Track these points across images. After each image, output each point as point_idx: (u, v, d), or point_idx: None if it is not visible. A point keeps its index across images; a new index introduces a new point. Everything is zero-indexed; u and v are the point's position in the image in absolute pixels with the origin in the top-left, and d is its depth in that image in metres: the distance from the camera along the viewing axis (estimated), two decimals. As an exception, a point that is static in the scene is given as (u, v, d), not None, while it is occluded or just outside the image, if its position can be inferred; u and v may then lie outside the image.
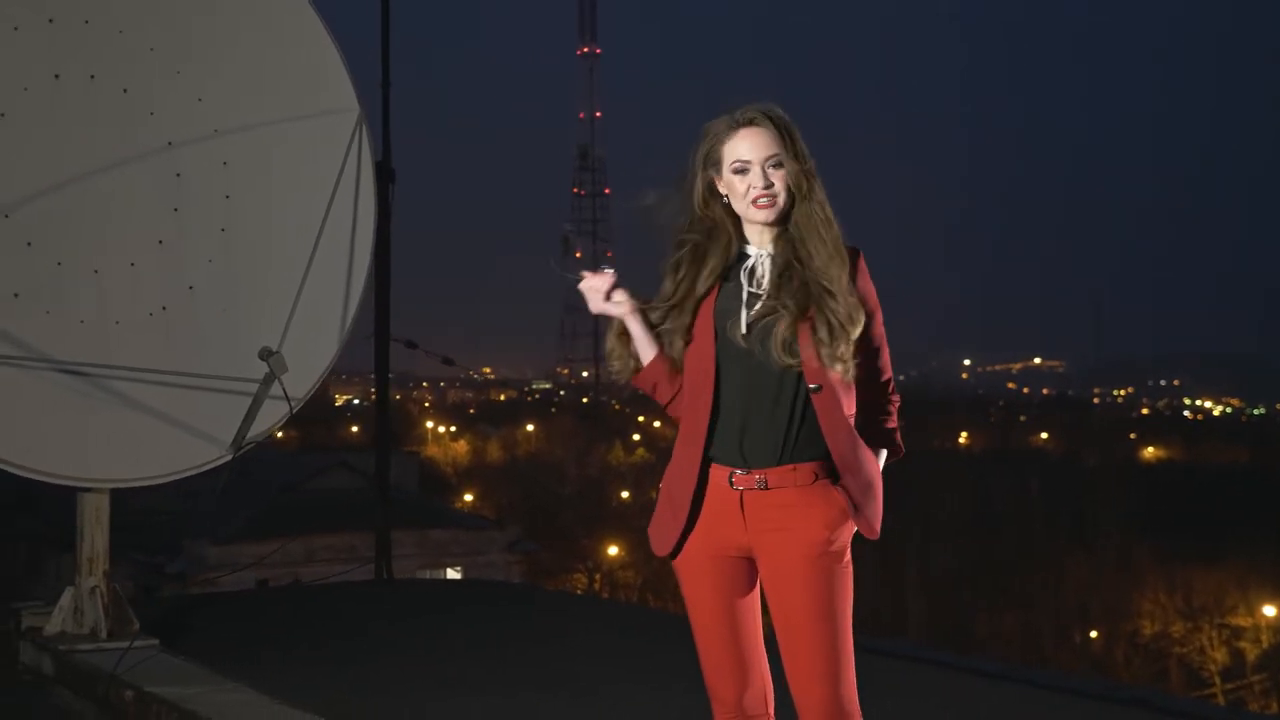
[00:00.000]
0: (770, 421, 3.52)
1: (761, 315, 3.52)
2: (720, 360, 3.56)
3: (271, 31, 7.53)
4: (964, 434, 78.25)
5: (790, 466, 3.51)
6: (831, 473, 3.54)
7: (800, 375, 3.50)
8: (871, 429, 3.68)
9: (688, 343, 3.63)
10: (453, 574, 36.93)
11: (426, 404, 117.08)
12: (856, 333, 3.49)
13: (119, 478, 7.10)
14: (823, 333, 3.46)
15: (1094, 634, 47.48)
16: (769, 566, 3.55)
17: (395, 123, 11.16)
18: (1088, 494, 52.28)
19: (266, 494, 38.14)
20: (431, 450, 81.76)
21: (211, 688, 6.08)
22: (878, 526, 3.58)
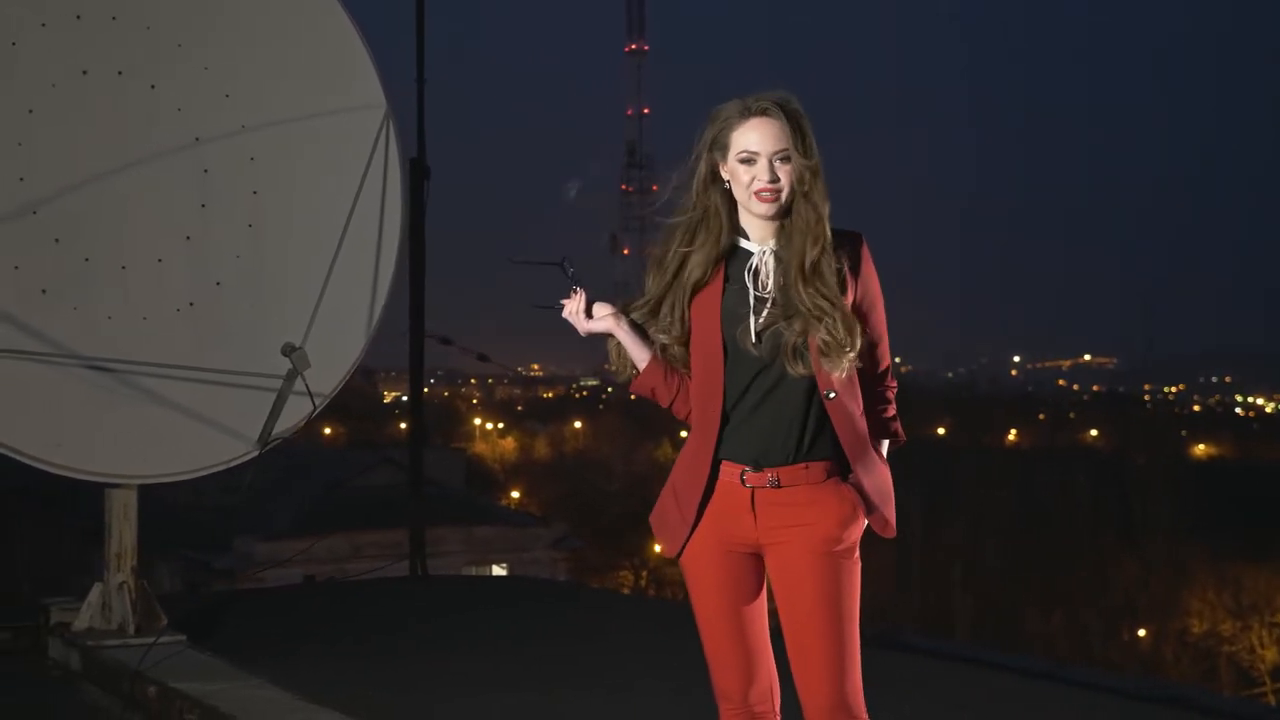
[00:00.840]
0: (783, 423, 3.48)
1: (770, 322, 3.47)
2: (729, 364, 3.52)
3: (299, 27, 7.53)
4: (1013, 431, 77.83)
5: (803, 465, 3.48)
6: (842, 470, 3.52)
7: (813, 379, 3.46)
8: (872, 419, 3.63)
9: (687, 339, 3.59)
10: (498, 571, 36.97)
11: (474, 400, 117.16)
12: (854, 346, 3.43)
13: (146, 474, 7.10)
14: (821, 347, 3.42)
15: (1142, 632, 47.12)
16: (778, 563, 3.51)
17: (431, 120, 11.18)
18: (1137, 491, 51.83)
19: (315, 491, 38.29)
20: (479, 447, 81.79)
21: (235, 684, 6.09)
22: (894, 523, 3.55)
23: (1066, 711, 6.79)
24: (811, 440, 3.48)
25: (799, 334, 3.42)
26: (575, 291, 3.71)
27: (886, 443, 3.70)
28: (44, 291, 6.80)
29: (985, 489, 49.12)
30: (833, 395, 3.46)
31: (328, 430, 69.36)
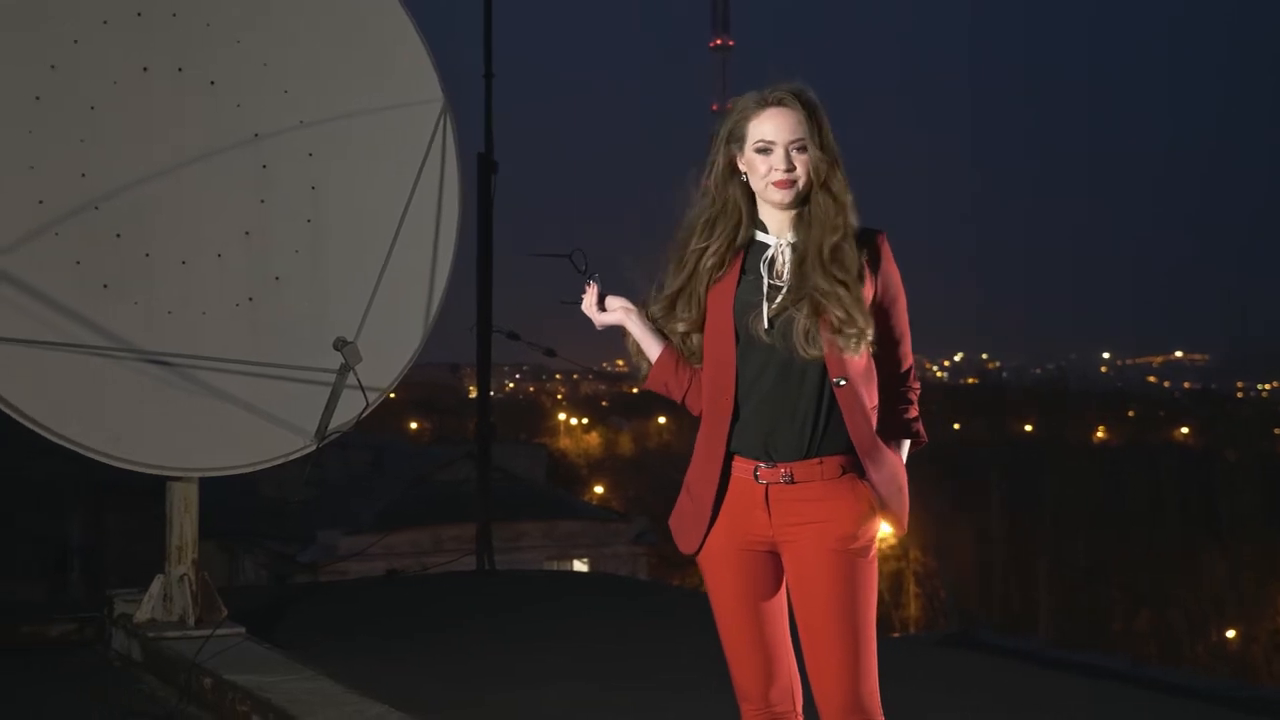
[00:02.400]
0: (795, 415, 3.44)
1: (783, 308, 3.44)
2: (741, 354, 3.49)
3: (357, 23, 7.58)
4: (1101, 428, 76.93)
5: (816, 460, 3.43)
6: (858, 466, 3.47)
7: (824, 368, 3.42)
8: (893, 419, 3.60)
9: (701, 333, 3.57)
10: (579, 566, 37.04)
11: (559, 396, 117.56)
12: (865, 327, 3.40)
13: (207, 467, 7.15)
14: (835, 324, 3.38)
15: (1231, 633, 46.47)
16: (793, 560, 3.47)
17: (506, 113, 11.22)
18: (1227, 489, 51.12)
19: (399, 485, 38.54)
20: (564, 443, 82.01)
21: (289, 676, 6.11)
22: (905, 520, 3.51)
23: (1143, 713, 6.71)
24: (824, 433, 3.44)
25: (808, 316, 3.39)
26: (588, 284, 3.72)
27: (908, 443, 3.65)
28: (105, 286, 6.86)
29: (1072, 486, 48.61)
30: (843, 382, 3.42)
31: (414, 425, 69.81)
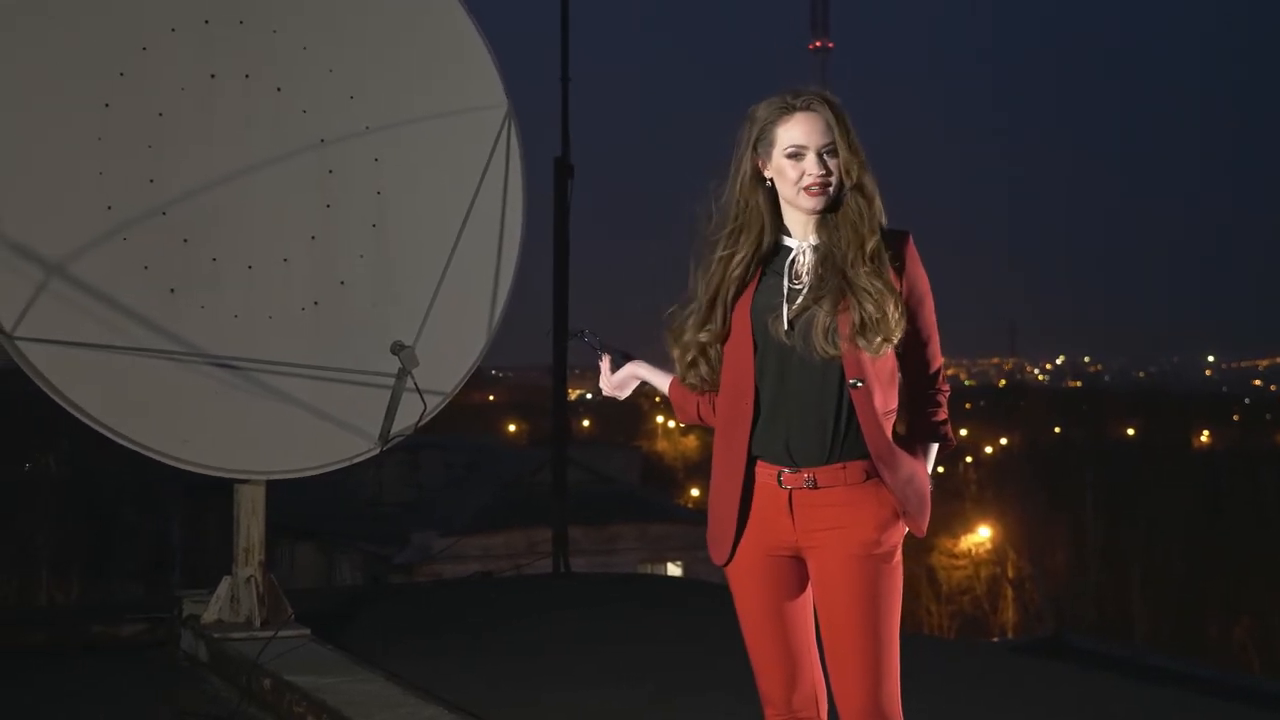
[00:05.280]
0: (816, 419, 3.41)
1: (803, 308, 3.41)
2: (760, 357, 3.46)
3: (422, 29, 7.63)
4: (1205, 432, 75.80)
5: (840, 465, 3.41)
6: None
7: (843, 371, 3.39)
8: (920, 421, 3.57)
9: (724, 344, 3.54)
10: (674, 569, 37.03)
11: (657, 399, 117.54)
12: (894, 330, 3.36)
13: (273, 469, 7.22)
14: (856, 324, 3.34)
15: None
16: (817, 566, 3.45)
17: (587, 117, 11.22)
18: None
19: (494, 487, 38.74)
20: (661, 445, 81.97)
21: (347, 678, 6.17)
22: (924, 524, 3.47)
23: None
24: (845, 437, 3.41)
25: (829, 313, 3.36)
26: (601, 359, 3.77)
27: (935, 446, 3.61)
28: (172, 291, 6.95)
29: (1172, 490, 47.93)
30: (859, 384, 3.38)
31: (512, 427, 70.08)
